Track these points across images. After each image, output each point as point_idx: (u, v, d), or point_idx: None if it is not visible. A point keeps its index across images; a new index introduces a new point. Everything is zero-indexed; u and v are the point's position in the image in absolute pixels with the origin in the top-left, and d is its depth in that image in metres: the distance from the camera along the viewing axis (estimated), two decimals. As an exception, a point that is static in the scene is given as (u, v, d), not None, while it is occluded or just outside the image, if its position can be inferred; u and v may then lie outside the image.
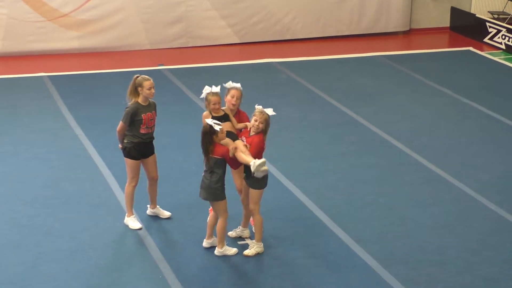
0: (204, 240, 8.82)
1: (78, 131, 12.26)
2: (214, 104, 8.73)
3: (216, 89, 8.78)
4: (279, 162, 11.14)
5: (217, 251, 8.69)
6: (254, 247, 8.74)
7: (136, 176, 9.10)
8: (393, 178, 10.86)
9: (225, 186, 8.56)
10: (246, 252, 8.72)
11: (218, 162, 8.42)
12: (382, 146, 11.98)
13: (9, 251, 8.78)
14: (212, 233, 8.78)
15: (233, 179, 9.00)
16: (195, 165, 9.75)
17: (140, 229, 9.14)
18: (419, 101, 14.08)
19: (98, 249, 8.85)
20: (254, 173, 8.33)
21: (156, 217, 9.44)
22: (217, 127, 8.33)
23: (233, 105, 8.83)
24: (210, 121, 8.39)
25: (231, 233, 9.02)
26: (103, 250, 8.85)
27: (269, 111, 8.63)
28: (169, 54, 16.82)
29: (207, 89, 8.79)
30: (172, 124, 12.13)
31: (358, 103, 13.81)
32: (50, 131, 12.28)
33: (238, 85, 8.89)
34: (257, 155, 8.49)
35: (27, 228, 9.31)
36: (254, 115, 8.59)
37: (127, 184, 9.16)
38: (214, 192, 8.49)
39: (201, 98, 8.90)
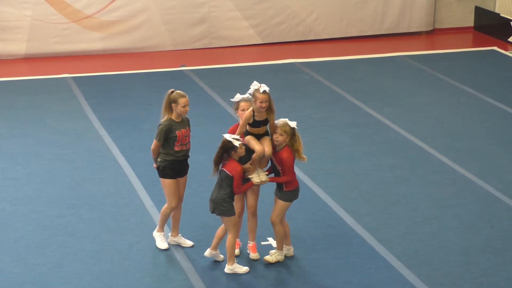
0: (208, 248, 8.60)
1: (102, 132, 12.32)
2: (261, 102, 8.24)
3: (265, 87, 8.30)
4: (302, 163, 11.10)
5: (227, 269, 8.42)
6: (275, 255, 8.61)
7: (175, 196, 8.71)
8: (416, 179, 10.82)
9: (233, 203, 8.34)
10: (267, 258, 8.61)
11: (228, 178, 8.21)
12: (405, 147, 11.93)
13: (33, 252, 8.84)
14: (218, 245, 8.56)
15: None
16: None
17: (167, 249, 8.86)
18: (443, 101, 14.02)
19: (121, 250, 8.88)
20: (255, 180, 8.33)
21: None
22: (236, 143, 8.14)
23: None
24: (229, 136, 8.19)
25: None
26: (126, 250, 8.88)
27: (292, 124, 8.36)
28: (192, 54, 16.86)
29: (255, 85, 8.34)
30: (195, 125, 12.10)
31: (381, 103, 13.77)
32: (74, 132, 12.35)
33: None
34: (288, 170, 8.33)
35: (51, 228, 9.36)
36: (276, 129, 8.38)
37: (166, 206, 8.76)
38: (220, 207, 8.27)
39: (248, 94, 8.41)
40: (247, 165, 8.31)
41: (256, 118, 8.35)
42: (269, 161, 8.53)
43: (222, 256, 8.62)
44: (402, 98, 14.15)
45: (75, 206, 9.93)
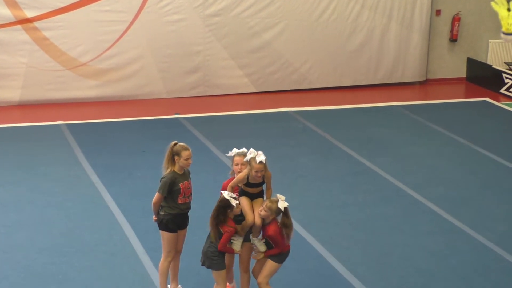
0: None
1: (95, 179, 12.30)
2: (256, 171, 8.16)
3: (261, 157, 8.19)
4: (295, 211, 11.06)
5: None
6: None
7: (172, 250, 8.61)
8: (409, 228, 10.81)
9: (224, 257, 8.28)
10: None
11: (220, 234, 8.16)
12: (398, 196, 11.94)
13: (24, 299, 8.78)
14: None
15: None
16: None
17: None
18: (436, 151, 14.06)
19: (113, 298, 8.83)
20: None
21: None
22: (234, 202, 8.07)
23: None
24: (227, 194, 8.11)
25: None
26: (118, 299, 8.83)
27: (280, 203, 8.19)
28: (186, 103, 16.92)
29: (252, 153, 8.25)
30: (188, 173, 12.15)
31: (374, 152, 13.81)
32: (66, 179, 12.32)
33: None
34: (278, 243, 8.24)
35: (42, 276, 9.30)
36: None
37: (162, 260, 8.65)
38: (210, 260, 8.21)
39: (245, 161, 8.33)
40: (239, 228, 8.26)
41: (251, 181, 8.34)
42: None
43: None
44: (395, 148, 14.19)
45: (67, 253, 9.87)
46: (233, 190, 8.30)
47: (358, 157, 13.55)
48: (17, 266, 9.53)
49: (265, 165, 8.28)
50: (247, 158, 8.33)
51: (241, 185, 8.36)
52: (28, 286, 9.05)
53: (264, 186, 8.44)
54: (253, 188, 8.38)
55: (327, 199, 11.80)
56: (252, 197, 8.41)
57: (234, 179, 8.39)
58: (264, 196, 8.42)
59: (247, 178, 8.33)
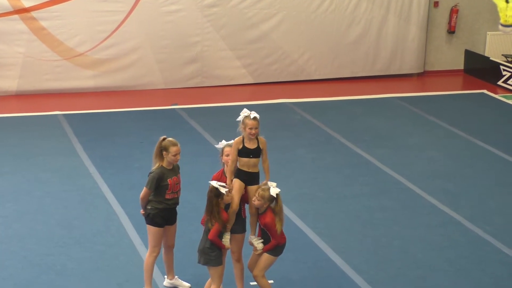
0: None
1: (92, 169, 12.29)
2: (250, 128, 8.19)
3: (255, 114, 8.26)
4: (292, 203, 11.11)
5: None
6: None
7: (159, 244, 8.56)
8: (407, 221, 10.82)
9: (221, 253, 8.22)
10: None
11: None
12: (396, 188, 11.94)
13: (21, 290, 8.78)
14: None
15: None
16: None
17: None
18: (433, 143, 14.06)
19: (110, 289, 8.83)
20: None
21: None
22: (223, 190, 8.02)
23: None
24: (215, 183, 8.07)
25: None
26: (115, 290, 8.83)
27: (272, 190, 8.14)
28: (184, 93, 16.91)
29: (245, 112, 8.29)
30: (185, 164, 12.08)
31: (372, 144, 13.81)
32: (64, 170, 12.31)
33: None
34: (275, 233, 8.20)
35: (40, 267, 9.30)
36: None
37: (148, 254, 8.61)
38: (207, 256, 8.14)
39: (238, 121, 8.38)
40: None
41: (246, 145, 8.27)
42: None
43: None
44: (393, 140, 14.19)
45: (65, 244, 9.87)
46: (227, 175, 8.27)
47: (355, 149, 13.55)
48: (15, 257, 9.53)
49: (258, 125, 8.18)
50: (240, 117, 8.27)
51: (235, 155, 8.24)
52: (26, 277, 9.05)
53: (261, 170, 8.37)
54: (248, 159, 8.23)
55: (325, 191, 11.80)
56: (248, 180, 8.29)
57: (231, 152, 8.26)
58: (260, 182, 8.37)
59: (243, 141, 8.22)
